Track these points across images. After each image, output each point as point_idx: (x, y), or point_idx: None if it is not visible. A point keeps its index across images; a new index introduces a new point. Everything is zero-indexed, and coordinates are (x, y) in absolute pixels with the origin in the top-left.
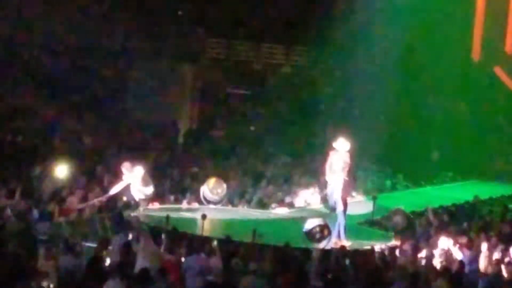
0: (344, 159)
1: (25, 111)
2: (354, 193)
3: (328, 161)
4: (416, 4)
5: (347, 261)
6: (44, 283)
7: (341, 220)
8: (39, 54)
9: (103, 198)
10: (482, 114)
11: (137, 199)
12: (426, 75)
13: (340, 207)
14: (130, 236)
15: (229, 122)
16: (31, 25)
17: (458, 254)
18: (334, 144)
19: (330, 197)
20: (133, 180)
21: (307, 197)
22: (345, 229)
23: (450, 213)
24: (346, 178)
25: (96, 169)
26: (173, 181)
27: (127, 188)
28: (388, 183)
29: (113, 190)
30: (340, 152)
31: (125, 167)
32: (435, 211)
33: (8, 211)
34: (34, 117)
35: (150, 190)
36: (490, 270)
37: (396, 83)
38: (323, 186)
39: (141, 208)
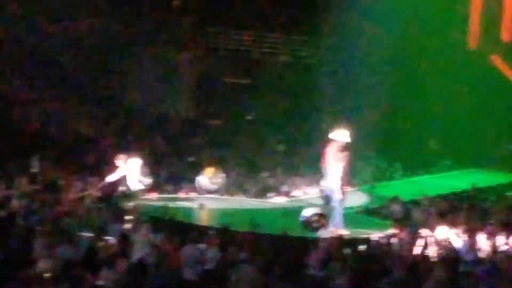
0: (343, 150)
1: (22, 100)
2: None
3: (328, 152)
4: None
5: (346, 250)
6: (41, 273)
7: (338, 209)
8: (37, 42)
9: (100, 186)
10: (480, 103)
11: (136, 189)
12: (423, 64)
13: (338, 196)
14: (128, 226)
15: (226, 111)
16: (30, 14)
17: (456, 243)
18: (332, 135)
19: (326, 188)
20: (130, 171)
21: (305, 187)
22: (343, 218)
23: (448, 202)
24: (345, 168)
25: (93, 159)
26: (170, 171)
27: (124, 178)
28: (386, 172)
29: (109, 178)
30: (338, 143)
31: (120, 159)
32: (433, 200)
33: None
34: (32, 107)
35: (149, 180)
36: (488, 258)
37: (393, 72)
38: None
39: (138, 198)
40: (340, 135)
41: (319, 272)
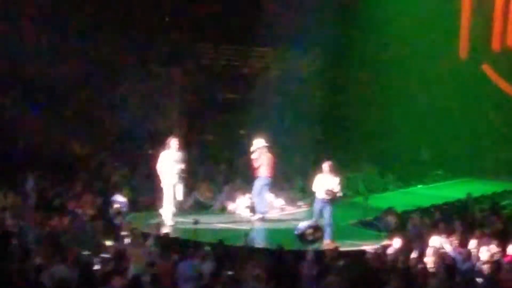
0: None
1: (13, 120)
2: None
3: (262, 162)
4: (403, 3)
5: (341, 262)
6: None
7: (330, 221)
8: (27, 62)
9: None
10: (472, 112)
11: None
12: (414, 75)
13: (328, 207)
14: (124, 242)
15: (218, 126)
16: (19, 33)
17: (451, 253)
18: (255, 144)
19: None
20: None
21: (300, 201)
22: (332, 229)
23: (442, 212)
24: (334, 179)
25: (86, 177)
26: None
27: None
28: (379, 183)
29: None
30: (262, 149)
31: (172, 140)
32: (425, 210)
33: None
34: (23, 126)
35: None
36: (484, 267)
37: (385, 83)
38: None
39: (132, 215)
40: (261, 142)
41: (314, 285)
